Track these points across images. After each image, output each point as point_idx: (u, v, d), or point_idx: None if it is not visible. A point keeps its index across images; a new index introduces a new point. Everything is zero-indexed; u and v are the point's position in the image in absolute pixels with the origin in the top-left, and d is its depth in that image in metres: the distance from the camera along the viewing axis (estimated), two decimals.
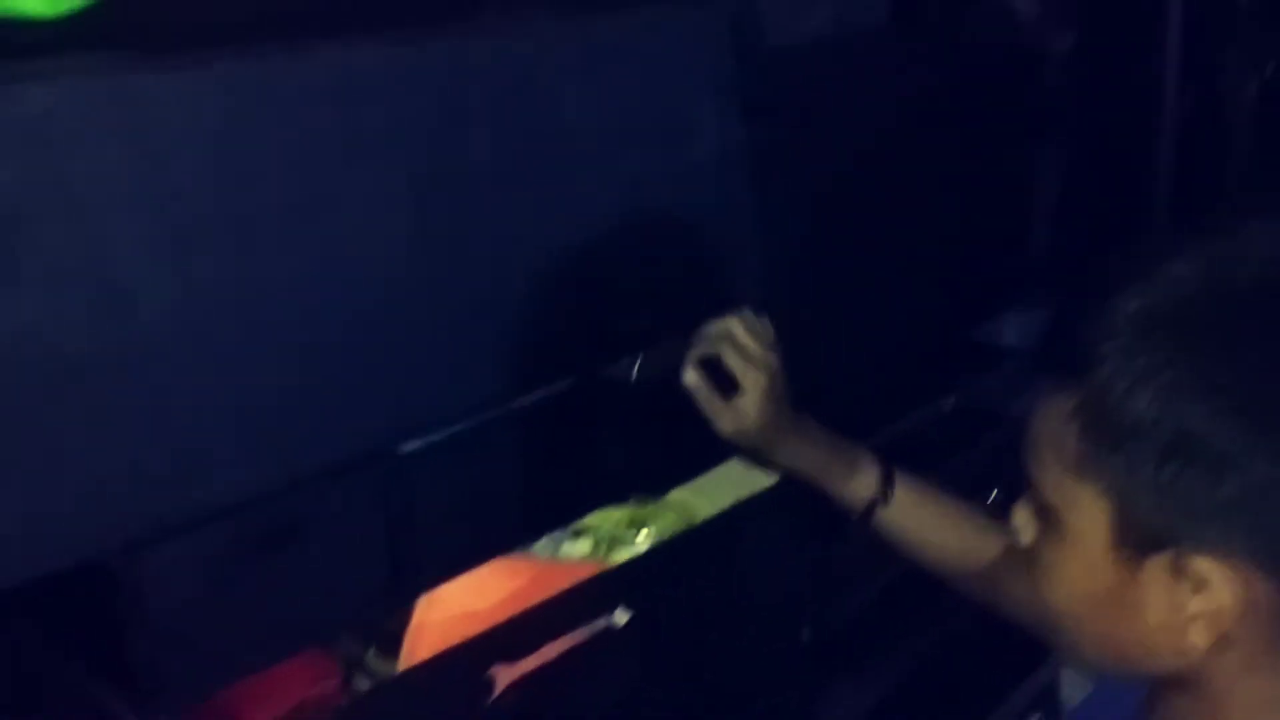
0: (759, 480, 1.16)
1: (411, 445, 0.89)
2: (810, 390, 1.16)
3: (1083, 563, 0.70)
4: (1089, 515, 0.69)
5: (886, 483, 1.10)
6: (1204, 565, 0.65)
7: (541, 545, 1.13)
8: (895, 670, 1.42)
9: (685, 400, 1.06)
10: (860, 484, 1.09)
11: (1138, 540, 0.68)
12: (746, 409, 1.04)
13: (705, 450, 1.12)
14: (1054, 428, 0.70)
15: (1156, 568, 0.67)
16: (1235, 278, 0.67)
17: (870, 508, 1.09)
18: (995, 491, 1.56)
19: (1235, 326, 0.66)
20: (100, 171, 0.73)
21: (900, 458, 1.15)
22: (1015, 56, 1.54)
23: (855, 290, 1.46)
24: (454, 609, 0.96)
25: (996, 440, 1.66)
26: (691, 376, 1.04)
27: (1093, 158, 1.67)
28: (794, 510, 1.18)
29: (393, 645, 0.98)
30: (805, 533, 1.21)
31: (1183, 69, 1.62)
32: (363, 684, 0.96)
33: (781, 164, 1.21)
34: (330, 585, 0.84)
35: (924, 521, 1.11)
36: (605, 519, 1.19)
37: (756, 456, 1.11)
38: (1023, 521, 0.76)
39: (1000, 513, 1.02)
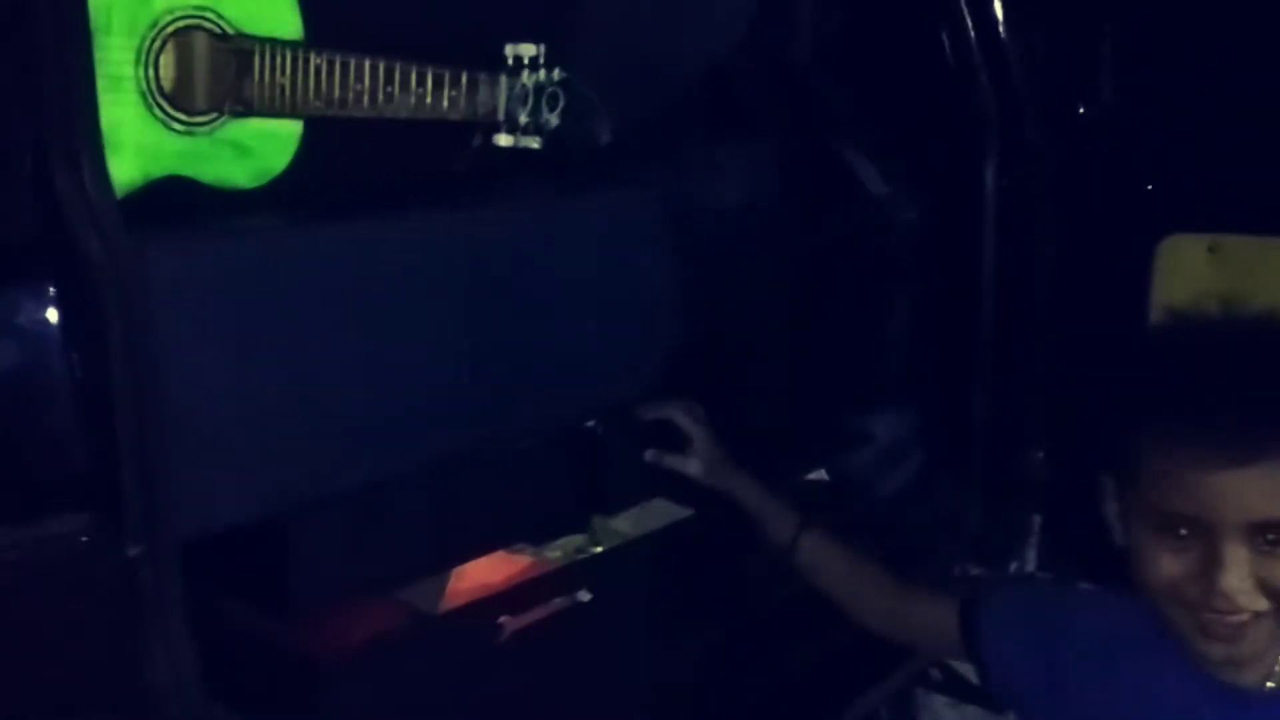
0: (678, 514, 1.67)
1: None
2: None
3: None
4: None
5: (806, 521, 1.56)
6: None
7: (528, 550, 1.63)
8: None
9: (631, 456, 1.58)
10: (786, 519, 1.59)
11: None
12: (703, 450, 1.56)
13: (641, 490, 1.64)
14: None
15: None
16: None
17: (794, 539, 1.56)
18: None
19: None
20: (296, 289, 1.23)
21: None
22: (871, 223, 2.13)
23: (755, 385, 1.99)
24: (476, 580, 1.44)
25: (866, 512, 2.20)
26: (650, 454, 1.57)
27: (932, 298, 2.25)
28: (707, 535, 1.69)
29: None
30: (718, 550, 1.72)
31: (997, 234, 2.21)
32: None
33: (702, 297, 1.75)
34: (404, 550, 1.34)
35: (835, 555, 1.55)
36: (572, 539, 1.68)
37: (686, 497, 1.62)
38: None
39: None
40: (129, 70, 1.19)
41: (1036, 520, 2.33)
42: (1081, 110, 2.08)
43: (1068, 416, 2.25)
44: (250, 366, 1.13)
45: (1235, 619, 1.06)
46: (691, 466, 1.58)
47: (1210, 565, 1.05)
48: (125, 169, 1.19)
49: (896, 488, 2.30)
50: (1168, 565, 1.08)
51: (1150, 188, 2.03)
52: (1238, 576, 1.04)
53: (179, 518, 1.04)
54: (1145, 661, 1.20)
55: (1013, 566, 2.37)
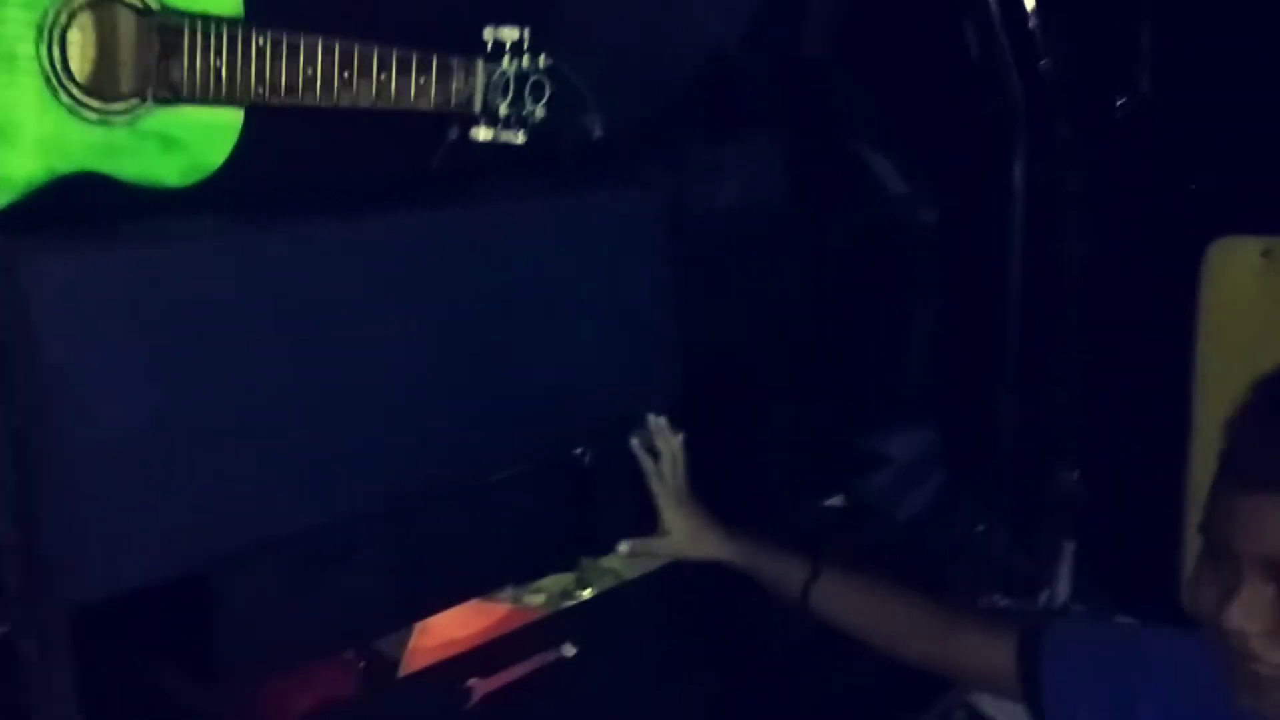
0: None
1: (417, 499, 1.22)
2: (723, 485, 1.50)
3: None
4: None
5: (815, 567, 1.38)
6: None
7: (506, 594, 1.45)
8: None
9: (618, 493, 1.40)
10: (792, 571, 1.40)
11: None
12: (676, 527, 1.37)
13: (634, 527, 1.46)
14: None
15: None
16: None
17: (805, 591, 1.38)
18: None
19: None
20: (228, 303, 1.06)
21: (807, 548, 1.46)
22: (888, 225, 1.94)
23: (763, 406, 1.81)
24: (441, 636, 1.27)
25: (884, 539, 2.02)
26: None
27: (954, 305, 2.07)
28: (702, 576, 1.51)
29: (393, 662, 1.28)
30: (711, 594, 1.54)
31: (1025, 236, 2.03)
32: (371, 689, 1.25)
33: (702, 305, 1.57)
34: (357, 603, 1.15)
35: (854, 595, 1.37)
36: (558, 580, 1.50)
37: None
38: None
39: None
40: (27, 48, 1.01)
41: (1069, 547, 2.16)
42: (1118, 102, 1.90)
43: (1105, 434, 2.08)
44: (161, 397, 0.95)
45: (1259, 668, 0.95)
46: (667, 547, 1.38)
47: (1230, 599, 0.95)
48: (23, 163, 1.02)
49: (915, 512, 2.13)
50: (1205, 594, 0.98)
51: (1196, 186, 1.85)
52: (1246, 615, 0.94)
53: (72, 582, 0.86)
54: (1218, 712, 1.04)
55: (1043, 597, 2.19)
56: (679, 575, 1.46)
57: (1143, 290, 1.95)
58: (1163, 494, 1.91)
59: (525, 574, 1.39)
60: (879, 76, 2.03)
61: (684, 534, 1.39)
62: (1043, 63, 1.94)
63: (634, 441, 1.42)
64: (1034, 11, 1.94)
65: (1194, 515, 1.04)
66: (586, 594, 1.50)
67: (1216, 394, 1.90)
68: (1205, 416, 1.91)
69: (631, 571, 1.53)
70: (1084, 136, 1.95)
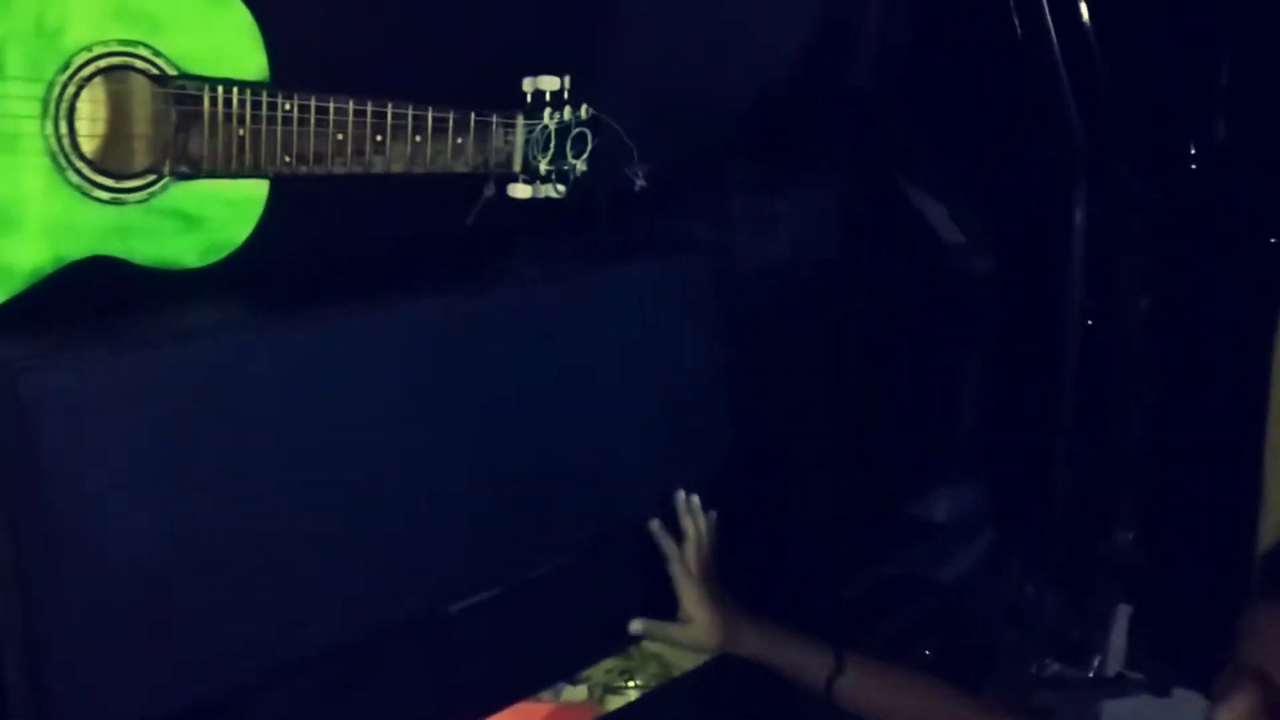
0: None
1: (456, 606, 1.12)
2: (768, 557, 1.40)
3: None
4: None
5: (839, 660, 1.30)
6: None
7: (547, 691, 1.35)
8: None
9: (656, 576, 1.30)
10: (814, 666, 1.31)
11: None
12: (702, 621, 1.27)
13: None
14: None
15: None
16: None
17: (829, 685, 1.30)
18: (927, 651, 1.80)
19: None
20: (246, 407, 0.96)
21: (848, 620, 1.37)
22: (943, 278, 1.83)
23: (807, 471, 1.71)
24: None
25: (930, 604, 1.91)
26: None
27: (1009, 360, 1.96)
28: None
29: None
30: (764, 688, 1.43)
31: (1085, 287, 1.92)
32: None
33: (748, 369, 1.47)
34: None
35: (879, 688, 1.29)
36: (599, 669, 1.40)
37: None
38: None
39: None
40: (32, 125, 0.91)
41: (1125, 611, 2.05)
42: (1191, 151, 1.79)
43: (1164, 494, 1.97)
44: (178, 518, 0.85)
45: None
46: (683, 636, 1.27)
47: None
48: (29, 252, 0.92)
49: (962, 573, 2.02)
50: None
51: (1275, 240, 1.74)
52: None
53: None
54: None
55: (1096, 663, 2.09)
56: (728, 668, 1.36)
57: (1209, 346, 1.84)
58: (1225, 558, 1.81)
59: (568, 670, 1.29)
60: (934, 120, 1.92)
61: (702, 626, 1.28)
62: (1106, 106, 1.83)
63: (654, 524, 1.31)
64: (1096, 51, 1.83)
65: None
66: (631, 686, 1.39)
67: None
68: (1275, 478, 1.81)
69: (677, 657, 1.43)
70: (1151, 185, 1.84)
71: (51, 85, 0.91)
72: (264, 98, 1.03)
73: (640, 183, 1.39)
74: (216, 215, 1.03)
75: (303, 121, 1.07)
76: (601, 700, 1.37)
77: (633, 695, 1.38)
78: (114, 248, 0.97)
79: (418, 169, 1.19)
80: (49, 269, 0.93)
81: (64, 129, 0.93)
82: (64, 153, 0.93)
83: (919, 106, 1.87)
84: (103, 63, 0.93)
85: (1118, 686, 2.05)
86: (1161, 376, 1.92)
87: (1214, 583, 1.86)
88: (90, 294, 0.97)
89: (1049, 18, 1.81)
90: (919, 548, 1.94)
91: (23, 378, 0.77)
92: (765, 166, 1.72)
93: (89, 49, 0.92)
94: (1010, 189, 1.89)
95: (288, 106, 1.05)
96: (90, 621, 0.80)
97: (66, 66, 0.91)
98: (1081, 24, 1.81)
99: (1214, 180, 1.78)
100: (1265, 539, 1.80)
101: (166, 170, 1.00)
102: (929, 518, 1.96)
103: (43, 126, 0.91)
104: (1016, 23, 1.83)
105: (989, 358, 1.95)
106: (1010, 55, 1.84)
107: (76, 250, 0.95)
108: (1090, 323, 1.91)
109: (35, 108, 0.91)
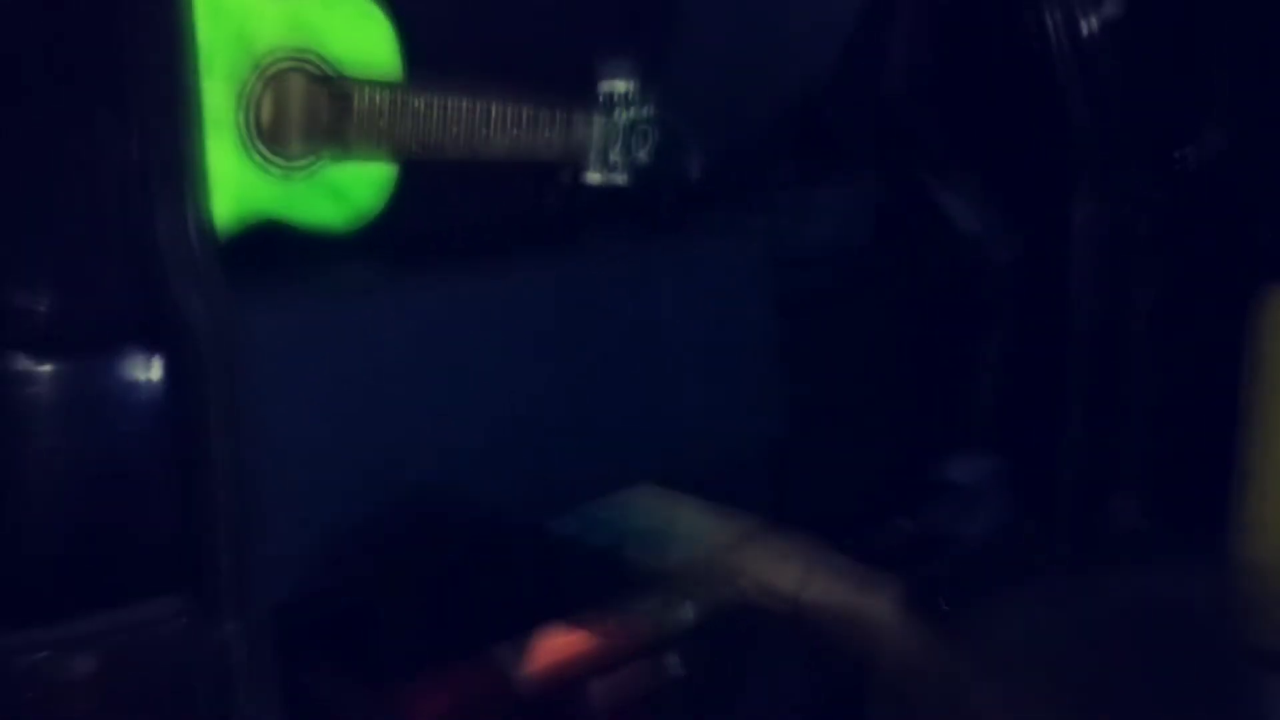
0: None
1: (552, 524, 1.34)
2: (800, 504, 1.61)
3: None
4: None
5: None
6: None
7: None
8: None
9: None
10: None
11: None
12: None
13: None
14: None
15: None
16: None
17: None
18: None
19: None
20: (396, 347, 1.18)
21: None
22: (965, 264, 2.04)
23: (839, 432, 1.92)
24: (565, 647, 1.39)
25: (947, 560, 2.11)
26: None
27: (1023, 342, 2.16)
28: None
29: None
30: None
31: (1093, 278, 2.12)
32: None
33: (794, 341, 1.68)
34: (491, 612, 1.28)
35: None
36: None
37: None
38: None
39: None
40: (228, 114, 1.14)
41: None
42: (1192, 152, 1.99)
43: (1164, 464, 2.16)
44: (345, 428, 1.08)
45: None
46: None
47: None
48: (220, 212, 1.15)
49: (978, 534, 2.22)
50: None
51: (1267, 236, 1.94)
52: None
53: (272, 588, 0.98)
54: None
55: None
56: None
57: (1206, 336, 2.04)
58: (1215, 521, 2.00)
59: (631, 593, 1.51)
60: (956, 118, 2.13)
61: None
62: (1114, 110, 2.03)
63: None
64: (1105, 59, 2.03)
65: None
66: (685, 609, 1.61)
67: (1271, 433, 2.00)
68: (1258, 454, 2.00)
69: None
70: (1155, 184, 2.04)
71: (243, 83, 1.15)
72: (399, 95, 1.26)
73: (695, 173, 1.61)
74: (358, 189, 1.26)
75: (428, 115, 1.29)
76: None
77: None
78: (282, 212, 1.20)
79: (515, 156, 1.41)
80: (232, 226, 1.16)
81: (250, 116, 1.16)
82: (249, 135, 1.16)
83: (945, 111, 2.09)
84: (283, 64, 1.16)
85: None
86: (1160, 362, 2.11)
87: (1202, 545, 2.05)
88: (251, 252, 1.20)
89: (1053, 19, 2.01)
90: (939, 509, 2.14)
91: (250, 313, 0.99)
92: (806, 165, 1.94)
93: (273, 53, 1.16)
94: (1025, 185, 2.09)
95: (418, 103, 1.28)
96: (282, 505, 1.03)
97: (256, 67, 1.15)
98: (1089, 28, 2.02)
99: (1205, 179, 1.98)
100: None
101: (324, 151, 1.23)
102: (949, 480, 2.16)
103: (236, 116, 1.15)
104: (1028, 25, 2.03)
105: (1004, 339, 2.15)
106: (1026, 65, 2.04)
107: (256, 212, 1.18)
108: (1097, 311, 2.11)
109: (230, 100, 1.14)
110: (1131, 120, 2.03)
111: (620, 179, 1.54)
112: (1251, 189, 1.97)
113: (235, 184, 1.15)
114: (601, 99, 1.51)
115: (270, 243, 1.20)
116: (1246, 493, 1.93)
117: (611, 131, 1.51)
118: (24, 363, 0.83)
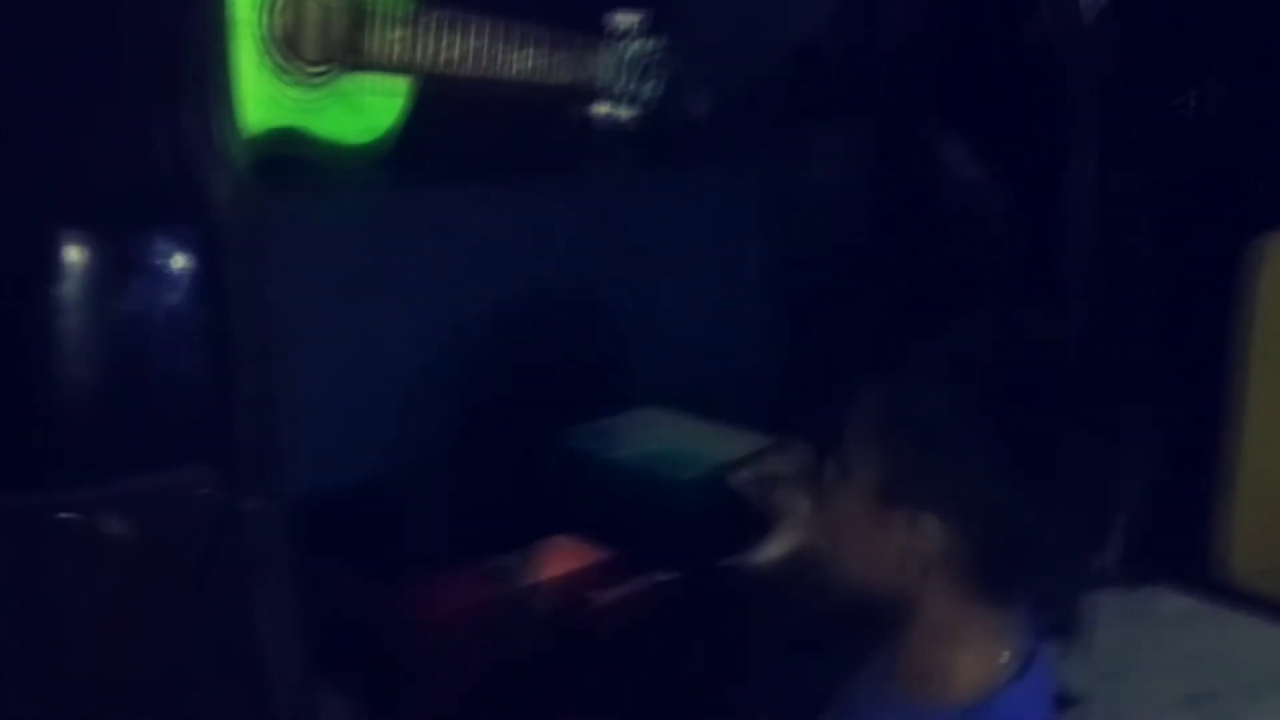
0: None
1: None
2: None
3: None
4: None
5: None
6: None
7: None
8: None
9: None
10: None
11: None
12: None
13: None
14: None
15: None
16: None
17: None
18: None
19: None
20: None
21: None
22: (961, 208, 2.08)
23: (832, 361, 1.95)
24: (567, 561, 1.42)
25: None
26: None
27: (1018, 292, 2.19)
28: None
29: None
30: None
31: (1089, 228, 2.15)
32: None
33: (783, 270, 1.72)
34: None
35: None
36: None
37: None
38: None
39: None
40: (250, 15, 1.17)
41: (1118, 520, 2.28)
42: (1189, 103, 2.02)
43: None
44: (367, 322, 1.11)
45: None
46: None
47: None
48: (248, 119, 1.17)
49: None
50: None
51: (1257, 185, 1.97)
52: None
53: (292, 475, 1.01)
54: None
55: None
56: None
57: (1204, 285, 2.08)
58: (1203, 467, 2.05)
59: None
60: (952, 66, 2.16)
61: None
62: (1109, 59, 2.06)
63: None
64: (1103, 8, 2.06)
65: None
66: None
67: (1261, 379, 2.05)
68: (1252, 399, 2.05)
69: None
70: (1152, 134, 2.07)
71: None
72: (415, 10, 1.29)
73: (699, 109, 1.64)
74: (373, 104, 1.29)
75: (442, 31, 1.32)
76: None
77: None
78: (301, 121, 1.23)
79: (527, 78, 1.44)
80: (259, 131, 1.19)
81: (268, 20, 1.18)
82: (267, 40, 1.19)
83: (940, 60, 2.11)
84: None
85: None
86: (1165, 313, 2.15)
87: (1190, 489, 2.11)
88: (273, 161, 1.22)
89: None
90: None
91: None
92: (804, 106, 1.96)
93: None
94: (1019, 138, 2.12)
95: (433, 19, 1.30)
96: (307, 390, 1.05)
97: None
98: None
99: (1197, 130, 2.02)
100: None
101: (338, 61, 1.25)
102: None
103: (255, 16, 1.17)
104: None
105: (999, 290, 2.18)
106: (1023, 13, 2.07)
107: (278, 120, 1.20)
108: (1092, 261, 2.14)
109: (253, 6, 1.16)
110: (1128, 66, 2.05)
111: (625, 110, 1.56)
112: (1246, 140, 2.01)
113: (254, 87, 1.18)
114: (611, 32, 1.54)
115: (293, 157, 1.23)
116: (1236, 435, 1.97)
117: (620, 64, 1.54)
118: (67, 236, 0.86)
